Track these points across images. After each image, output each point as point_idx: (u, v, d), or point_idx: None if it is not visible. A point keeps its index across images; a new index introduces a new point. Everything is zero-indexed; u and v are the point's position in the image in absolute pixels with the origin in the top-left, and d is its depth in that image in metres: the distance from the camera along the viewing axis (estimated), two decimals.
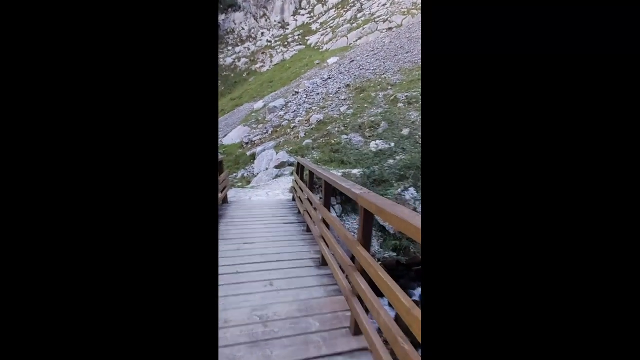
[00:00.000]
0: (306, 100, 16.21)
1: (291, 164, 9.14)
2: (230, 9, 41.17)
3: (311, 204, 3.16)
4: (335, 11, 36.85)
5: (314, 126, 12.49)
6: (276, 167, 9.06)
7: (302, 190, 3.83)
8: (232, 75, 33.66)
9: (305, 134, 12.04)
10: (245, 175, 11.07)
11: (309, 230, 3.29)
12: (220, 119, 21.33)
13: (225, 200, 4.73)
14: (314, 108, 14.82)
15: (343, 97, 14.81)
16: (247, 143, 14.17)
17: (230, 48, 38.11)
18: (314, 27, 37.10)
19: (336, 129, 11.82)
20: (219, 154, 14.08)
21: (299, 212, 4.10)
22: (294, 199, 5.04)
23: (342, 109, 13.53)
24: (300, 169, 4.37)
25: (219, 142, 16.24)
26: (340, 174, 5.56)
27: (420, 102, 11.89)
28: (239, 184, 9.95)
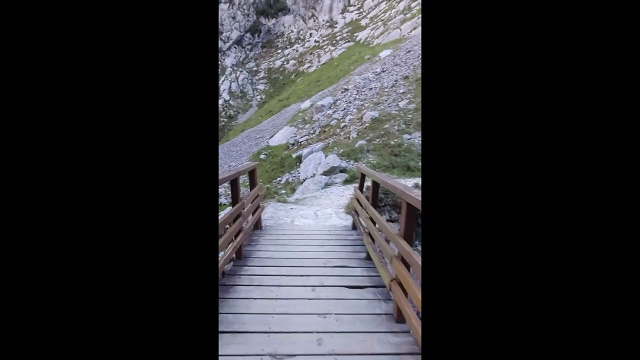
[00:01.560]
0: (357, 96, 14.56)
1: (343, 170, 7.56)
2: (280, 13, 41.82)
3: (406, 266, 1.53)
4: (386, 3, 34.35)
5: (367, 125, 10.78)
6: (325, 172, 7.60)
7: (376, 223, 2.21)
8: (281, 77, 33.84)
9: (357, 134, 10.41)
10: (290, 180, 9.94)
11: (401, 317, 1.65)
12: (267, 120, 21.13)
13: (257, 224, 3.38)
14: (366, 104, 13.08)
15: (401, 91, 12.74)
16: (292, 144, 13.22)
17: (279, 51, 38.59)
18: (363, 22, 35.23)
19: (395, 127, 9.91)
20: (263, 156, 13.44)
21: (368, 257, 2.49)
22: (354, 227, 3.44)
23: (401, 104, 11.51)
24: (372, 188, 2.65)
25: (266, 143, 15.75)
26: (411, 185, 3.78)
27: None
28: (283, 191, 8.80)
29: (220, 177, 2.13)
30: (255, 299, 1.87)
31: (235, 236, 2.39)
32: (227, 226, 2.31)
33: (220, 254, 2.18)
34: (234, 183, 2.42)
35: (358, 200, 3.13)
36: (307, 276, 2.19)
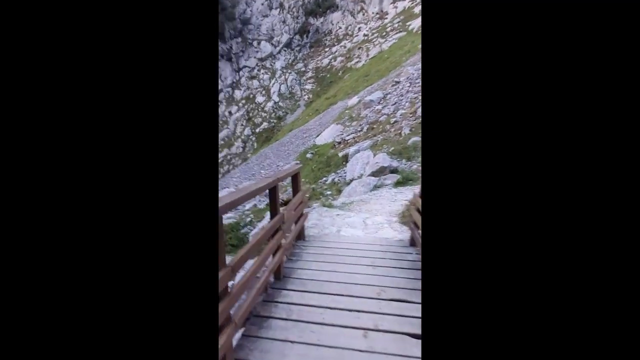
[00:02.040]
0: (409, 89, 13.38)
1: (394, 170, 6.86)
2: (328, 11, 41.67)
3: None
4: None
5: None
6: (373, 173, 7.00)
7: None
8: (328, 75, 33.72)
9: (411, 130, 9.46)
10: (336, 180, 9.58)
11: None
12: (314, 119, 21.16)
13: (300, 234, 3.06)
14: (420, 97, 11.88)
15: None
16: (339, 143, 12.84)
17: (327, 49, 38.51)
18: (417, 9, 32.69)
19: None
20: (309, 155, 13.37)
21: None
22: (412, 243, 2.86)
23: None
24: None
25: (312, 142, 15.73)
26: None
27: None
28: (328, 192, 8.48)
29: (257, 186, 1.83)
30: (292, 342, 1.51)
31: (274, 254, 2.08)
32: (270, 238, 2.01)
33: (263, 270, 1.89)
34: (273, 192, 2.11)
35: (419, 211, 2.55)
36: (357, 312, 1.75)
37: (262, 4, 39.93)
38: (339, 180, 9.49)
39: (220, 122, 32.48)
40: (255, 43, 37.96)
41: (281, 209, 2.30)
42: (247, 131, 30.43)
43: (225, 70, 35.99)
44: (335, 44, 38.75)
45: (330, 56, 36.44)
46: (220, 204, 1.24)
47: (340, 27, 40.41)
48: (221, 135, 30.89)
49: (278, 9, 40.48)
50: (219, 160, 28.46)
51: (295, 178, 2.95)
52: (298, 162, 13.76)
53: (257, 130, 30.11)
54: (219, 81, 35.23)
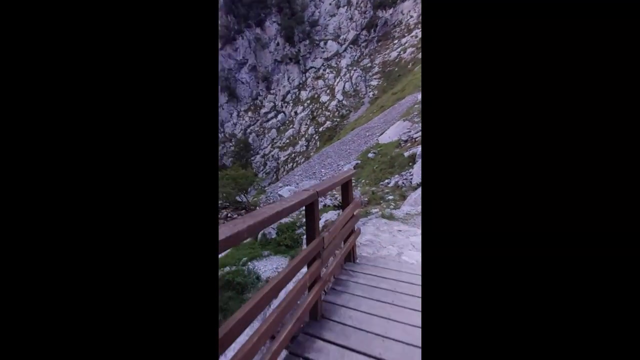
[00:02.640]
0: None
1: None
2: (399, 1, 39.09)
3: None
4: None
5: None
6: None
7: None
8: (396, 69, 31.66)
9: None
10: (400, 183, 8.61)
11: None
12: (378, 117, 20.05)
13: (350, 255, 2.51)
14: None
15: None
16: (405, 141, 11.66)
17: (396, 41, 36.23)
18: None
19: None
20: (371, 154, 12.55)
21: None
22: None
23: None
24: None
25: (375, 140, 14.84)
26: None
27: None
28: (390, 197, 7.62)
29: (292, 202, 1.39)
30: None
31: (310, 287, 1.61)
32: (305, 266, 1.55)
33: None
34: (310, 209, 1.63)
35: None
36: None
37: (330, 4, 40.19)
38: (403, 183, 8.49)
39: (287, 121, 34.23)
40: (322, 43, 38.56)
41: (334, 214, 1.78)
42: (310, 130, 31.20)
43: (293, 73, 37.73)
44: (405, 34, 36.02)
45: (399, 48, 34.06)
46: (220, 237, 0.82)
47: (411, 16, 37.39)
48: (287, 134, 32.52)
49: (345, 7, 40.07)
50: (284, 159, 30.03)
51: (346, 187, 2.42)
52: (358, 161, 13.10)
53: (321, 129, 30.51)
54: (287, 83, 37.16)
